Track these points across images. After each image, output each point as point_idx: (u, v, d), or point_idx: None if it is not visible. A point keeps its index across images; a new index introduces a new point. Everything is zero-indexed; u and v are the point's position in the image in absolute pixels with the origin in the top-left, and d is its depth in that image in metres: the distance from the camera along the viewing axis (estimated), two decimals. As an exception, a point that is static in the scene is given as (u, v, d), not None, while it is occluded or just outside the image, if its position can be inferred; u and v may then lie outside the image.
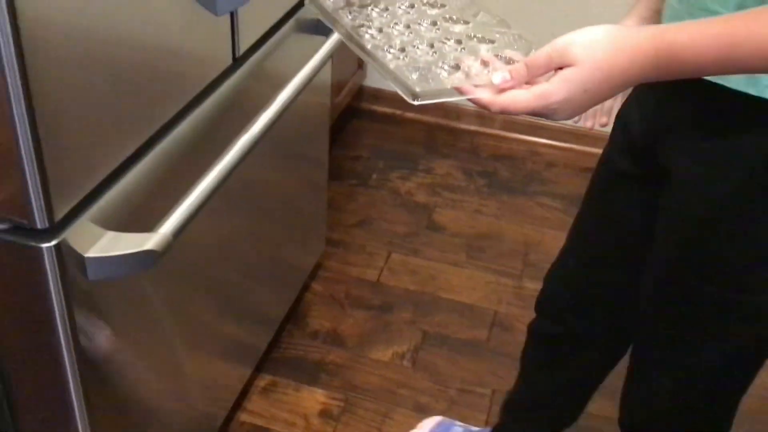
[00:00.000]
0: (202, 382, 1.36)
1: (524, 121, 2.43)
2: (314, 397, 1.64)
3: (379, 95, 2.55)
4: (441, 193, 2.26)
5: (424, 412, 1.63)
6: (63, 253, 0.87)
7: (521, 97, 0.76)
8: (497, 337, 1.81)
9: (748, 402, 1.07)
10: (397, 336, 1.80)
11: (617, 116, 1.09)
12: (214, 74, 1.16)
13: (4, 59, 0.75)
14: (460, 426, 1.55)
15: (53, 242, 0.86)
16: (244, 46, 1.21)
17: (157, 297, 1.12)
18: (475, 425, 1.58)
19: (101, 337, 0.99)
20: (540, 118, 0.79)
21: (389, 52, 0.86)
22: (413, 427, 1.59)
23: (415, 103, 0.80)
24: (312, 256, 1.84)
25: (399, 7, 0.96)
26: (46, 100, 0.80)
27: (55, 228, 0.87)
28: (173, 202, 0.97)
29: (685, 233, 0.95)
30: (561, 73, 0.75)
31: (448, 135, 2.51)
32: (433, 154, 2.43)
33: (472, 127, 2.50)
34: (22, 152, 0.80)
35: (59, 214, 0.87)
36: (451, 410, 1.64)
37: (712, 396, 1.04)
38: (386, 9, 0.95)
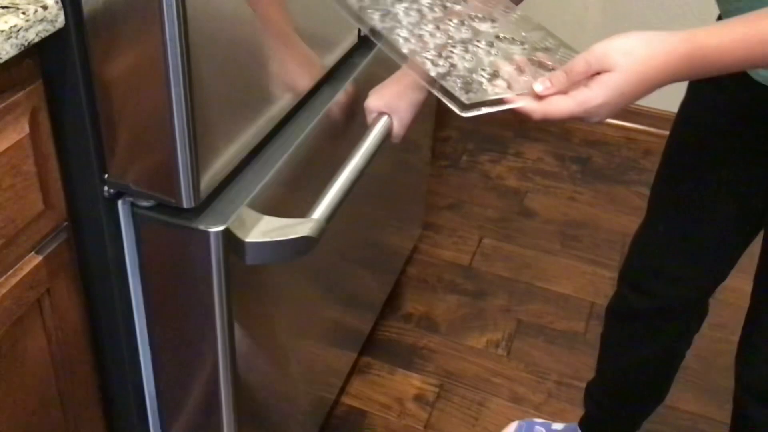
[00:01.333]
0: (314, 367, 1.35)
1: (620, 106, 2.35)
2: (409, 382, 1.62)
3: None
4: (532, 178, 2.21)
5: (520, 403, 1.60)
6: (224, 236, 0.86)
7: (563, 104, 0.79)
8: (595, 329, 1.76)
9: None
10: (492, 323, 1.77)
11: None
12: (341, 53, 1.13)
13: (167, 35, 0.73)
14: (540, 423, 1.52)
15: (219, 227, 0.85)
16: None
17: (280, 284, 1.11)
18: (573, 420, 1.54)
19: (249, 323, 0.99)
20: (580, 121, 0.82)
21: (427, 59, 0.85)
22: (509, 417, 1.56)
23: (465, 115, 0.81)
24: (410, 240, 1.82)
25: (423, 5, 0.93)
26: (200, 77, 0.79)
27: (200, 209, 0.86)
28: (311, 186, 0.95)
29: None
30: (599, 78, 0.78)
31: (539, 118, 2.44)
32: (523, 137, 2.37)
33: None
34: (176, 129, 0.79)
35: (204, 195, 0.86)
36: (548, 403, 1.60)
37: None
38: (411, 7, 0.92)
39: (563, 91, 0.79)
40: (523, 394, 1.62)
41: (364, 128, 1.03)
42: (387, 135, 1.03)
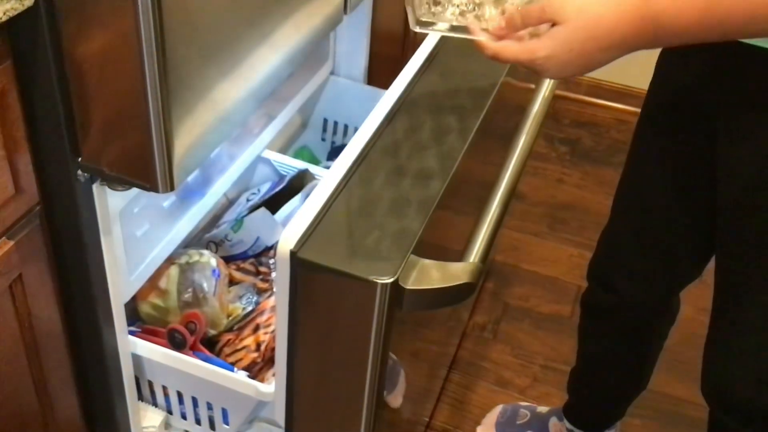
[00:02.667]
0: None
1: (610, 86, 2.33)
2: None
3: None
4: (521, 160, 2.19)
5: (506, 387, 1.59)
6: (392, 287, 0.82)
7: (512, 48, 0.82)
8: (581, 313, 1.75)
9: None
10: (478, 306, 1.76)
11: (657, 68, 1.05)
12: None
13: (141, 13, 0.71)
14: (525, 407, 1.51)
15: (387, 278, 0.81)
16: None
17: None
18: (558, 404, 1.54)
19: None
20: (536, 73, 0.83)
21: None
22: (495, 402, 1.56)
23: (415, 29, 0.89)
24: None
25: None
26: (175, 57, 0.76)
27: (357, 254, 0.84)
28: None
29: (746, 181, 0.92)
30: (550, 30, 0.79)
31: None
32: (512, 117, 2.35)
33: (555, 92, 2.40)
34: (150, 111, 0.76)
35: (179, 181, 0.83)
36: (533, 387, 1.60)
37: None
38: None
39: (520, 36, 0.82)
40: (509, 378, 1.61)
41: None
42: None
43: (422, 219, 0.89)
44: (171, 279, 1.19)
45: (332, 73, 1.65)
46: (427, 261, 0.86)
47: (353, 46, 1.56)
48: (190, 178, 1.10)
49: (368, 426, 0.95)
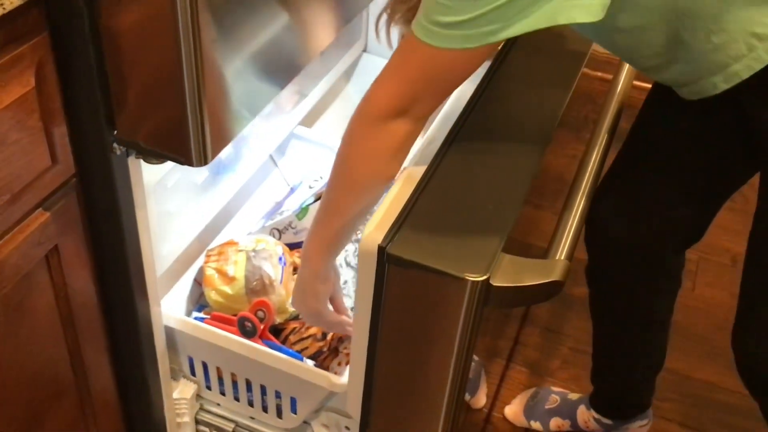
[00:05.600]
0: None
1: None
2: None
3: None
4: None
5: (535, 369, 1.59)
6: (482, 284, 0.82)
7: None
8: (612, 296, 1.74)
9: None
10: (508, 287, 1.75)
11: None
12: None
13: None
14: (557, 392, 1.51)
15: (480, 276, 0.81)
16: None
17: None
18: (588, 387, 1.53)
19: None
20: None
21: None
22: (522, 383, 1.55)
23: None
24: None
25: None
26: (210, 30, 0.76)
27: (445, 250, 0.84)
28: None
29: None
30: None
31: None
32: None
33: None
34: (185, 85, 0.76)
35: (213, 155, 0.84)
36: (562, 369, 1.59)
37: None
38: None
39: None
40: (537, 360, 1.61)
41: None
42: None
43: (511, 214, 0.88)
44: (239, 266, 1.20)
45: (365, 50, 1.65)
46: (513, 257, 0.85)
47: (386, 23, 1.55)
48: (222, 154, 1.11)
49: (447, 420, 0.95)
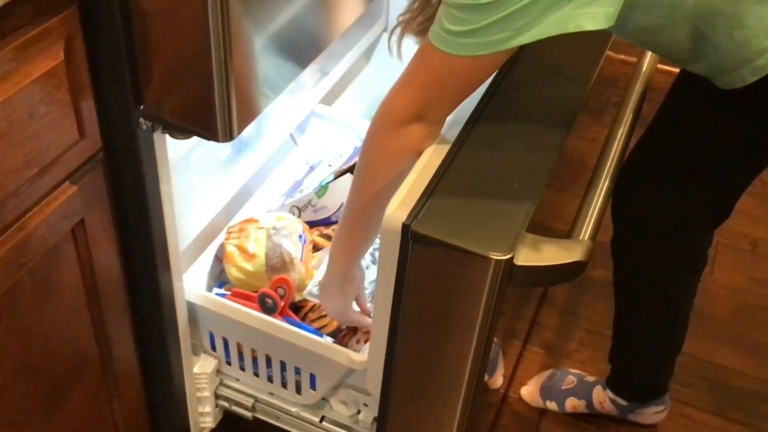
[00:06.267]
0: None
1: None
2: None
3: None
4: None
5: (551, 350, 1.59)
6: (506, 263, 0.82)
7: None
8: (630, 279, 1.73)
9: None
10: (525, 269, 1.75)
11: None
12: None
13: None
14: (574, 374, 1.51)
15: (504, 255, 0.81)
16: None
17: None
18: (604, 369, 1.53)
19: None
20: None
21: None
22: (538, 364, 1.56)
23: None
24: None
25: None
26: (238, 6, 0.76)
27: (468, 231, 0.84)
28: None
29: None
30: None
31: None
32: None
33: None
34: (213, 60, 0.77)
35: (239, 131, 0.84)
36: (579, 351, 1.59)
37: None
38: None
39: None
40: (553, 341, 1.61)
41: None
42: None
43: (535, 193, 0.88)
44: (260, 243, 1.20)
45: (385, 30, 1.64)
46: (537, 237, 0.85)
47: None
48: (244, 132, 1.11)
49: (467, 399, 0.96)
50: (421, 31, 1.01)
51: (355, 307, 1.15)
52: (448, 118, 0.94)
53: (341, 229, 1.04)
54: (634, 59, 1.25)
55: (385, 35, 1.65)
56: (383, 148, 0.95)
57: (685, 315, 1.31)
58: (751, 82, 0.89)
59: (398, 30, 1.05)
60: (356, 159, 1.32)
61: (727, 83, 0.92)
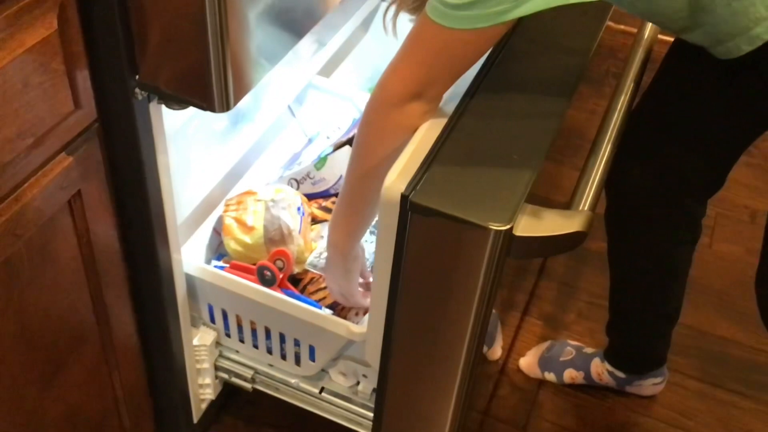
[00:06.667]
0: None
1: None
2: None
3: None
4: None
5: (550, 322, 1.59)
6: (505, 234, 0.81)
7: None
8: (629, 251, 1.73)
9: None
10: (524, 241, 1.75)
11: None
12: None
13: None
14: (572, 345, 1.52)
15: (503, 225, 0.81)
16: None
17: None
18: (602, 341, 1.54)
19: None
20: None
21: None
22: (537, 336, 1.56)
23: None
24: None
25: None
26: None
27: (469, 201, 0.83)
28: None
29: None
30: None
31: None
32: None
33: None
34: (208, 29, 0.76)
35: (235, 102, 0.83)
36: (577, 323, 1.60)
37: None
38: None
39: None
40: (552, 313, 1.61)
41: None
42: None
43: (534, 164, 0.87)
44: (258, 216, 1.20)
45: (383, 0, 1.63)
46: (536, 207, 0.84)
47: (406, -28, 1.53)
48: (241, 103, 1.10)
49: (466, 371, 0.96)
50: (416, 8, 1.00)
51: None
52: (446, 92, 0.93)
53: (339, 212, 1.04)
54: (635, 30, 1.24)
55: (383, 5, 1.63)
56: (381, 128, 0.94)
57: (681, 286, 1.31)
58: (747, 51, 0.89)
59: (393, 8, 1.04)
60: (355, 131, 1.32)
61: (723, 53, 0.91)
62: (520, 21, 1.03)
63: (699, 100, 1.07)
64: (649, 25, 1.23)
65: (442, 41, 0.86)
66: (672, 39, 1.12)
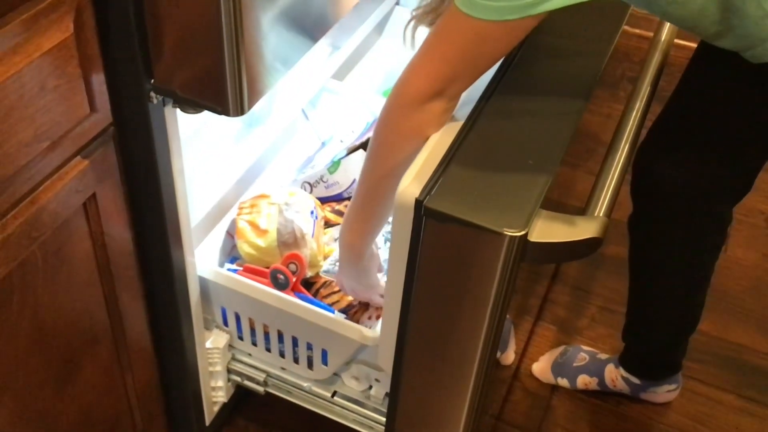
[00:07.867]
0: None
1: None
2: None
3: None
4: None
5: (563, 326, 1.59)
6: (520, 240, 0.81)
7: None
8: (643, 256, 1.72)
9: None
10: (537, 246, 1.74)
11: None
12: None
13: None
14: (587, 351, 1.51)
15: (517, 231, 0.80)
16: None
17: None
18: (616, 345, 1.53)
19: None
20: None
21: None
22: (550, 340, 1.56)
23: None
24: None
25: None
26: (251, -20, 0.75)
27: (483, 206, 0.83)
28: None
29: None
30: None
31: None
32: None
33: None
34: (224, 34, 0.76)
35: (250, 106, 0.84)
36: (591, 328, 1.59)
37: None
38: None
39: None
40: (565, 318, 1.61)
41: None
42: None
43: (549, 169, 0.87)
44: (271, 219, 1.20)
45: (397, 3, 1.63)
46: (551, 213, 0.84)
47: (421, -25, 1.53)
48: (255, 107, 1.10)
49: (479, 376, 0.96)
50: (432, 22, 0.99)
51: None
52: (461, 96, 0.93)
53: (354, 212, 1.03)
54: (651, 34, 1.23)
55: (397, 9, 1.63)
56: (401, 127, 0.92)
57: (704, 292, 1.30)
58: None
59: (412, 23, 1.03)
60: (369, 135, 1.31)
61: (755, 57, 0.91)
62: (539, 22, 1.03)
63: (730, 102, 1.06)
64: (666, 28, 1.22)
65: (469, 34, 0.84)
66: (693, 44, 1.11)
